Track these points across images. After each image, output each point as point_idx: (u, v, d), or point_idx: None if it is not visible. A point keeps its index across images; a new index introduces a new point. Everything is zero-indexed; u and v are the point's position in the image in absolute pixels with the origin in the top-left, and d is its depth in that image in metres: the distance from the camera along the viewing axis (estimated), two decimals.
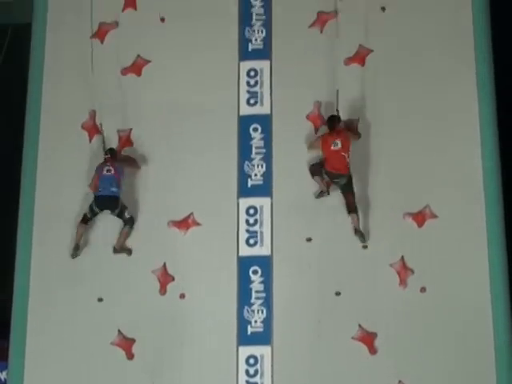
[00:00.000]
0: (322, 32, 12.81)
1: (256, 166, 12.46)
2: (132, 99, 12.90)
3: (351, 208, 12.00)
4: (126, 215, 12.34)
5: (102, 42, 13.10)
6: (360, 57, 12.65)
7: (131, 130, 12.80)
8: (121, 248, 12.42)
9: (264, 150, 12.54)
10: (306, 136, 12.45)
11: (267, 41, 12.85)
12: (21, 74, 13.37)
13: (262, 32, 12.87)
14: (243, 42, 12.87)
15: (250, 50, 12.89)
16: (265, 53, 12.81)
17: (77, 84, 12.96)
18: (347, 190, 12.06)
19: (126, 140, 12.81)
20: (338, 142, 11.96)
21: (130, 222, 12.37)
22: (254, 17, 12.97)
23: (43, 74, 13.06)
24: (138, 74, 12.98)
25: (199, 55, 12.85)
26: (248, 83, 12.73)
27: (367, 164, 12.33)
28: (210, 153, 12.58)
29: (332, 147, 11.98)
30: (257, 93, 12.70)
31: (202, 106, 12.67)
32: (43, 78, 13.09)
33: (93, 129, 12.79)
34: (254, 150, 12.53)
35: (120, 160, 12.47)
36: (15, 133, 13.19)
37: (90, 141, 12.83)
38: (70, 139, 12.86)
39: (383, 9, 12.74)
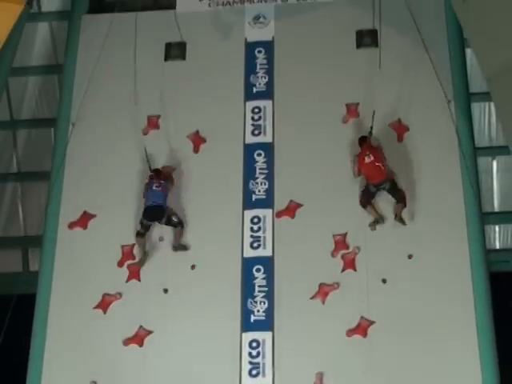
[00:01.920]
0: (323, 304, 13.30)
1: None
2: (134, 370, 13.13)
3: (401, 200, 13.48)
4: (174, 219, 13.82)
5: (104, 312, 13.52)
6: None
7: None
8: (179, 245, 13.71)
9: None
10: None
11: (270, 311, 13.36)
12: (24, 343, 13.68)
13: (263, 303, 13.44)
14: (245, 313, 13.35)
15: (252, 322, 13.35)
16: (268, 323, 13.26)
17: (79, 353, 13.25)
18: (394, 191, 13.59)
19: None
20: (370, 154, 13.53)
21: (179, 225, 13.83)
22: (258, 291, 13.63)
23: (45, 344, 13.39)
24: (140, 344, 13.29)
25: (201, 317, 13.24)
26: (250, 354, 13.05)
27: None
28: None
29: (366, 161, 13.51)
30: (258, 363, 13.05)
31: (203, 376, 12.89)
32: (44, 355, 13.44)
33: None
34: None
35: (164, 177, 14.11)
36: None
37: None
38: None
39: (384, 281, 13.32)
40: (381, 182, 13.51)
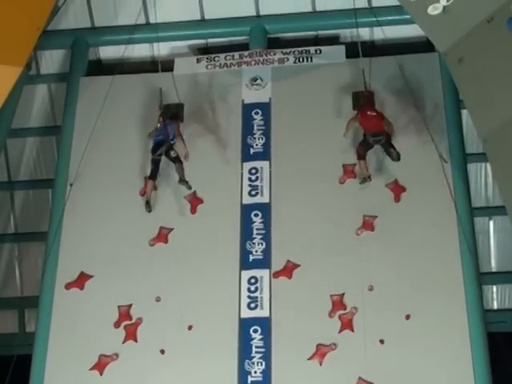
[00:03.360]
0: (321, 365, 13.45)
1: None
2: None
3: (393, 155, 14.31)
4: (172, 154, 14.67)
5: (101, 373, 13.65)
6: None
7: None
8: (181, 180, 14.66)
9: None
10: None
11: (267, 372, 13.43)
12: None
13: (260, 364, 13.51)
14: (243, 374, 13.43)
15: (252, 351, 13.53)
16: (266, 378, 13.36)
17: None
18: (388, 144, 14.24)
19: None
20: (372, 110, 14.30)
21: (176, 160, 14.63)
22: (255, 352, 13.77)
23: None
24: None
25: (199, 378, 13.37)
26: None
27: None
28: None
29: (369, 114, 14.23)
30: None
31: None
32: None
33: None
34: None
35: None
36: None
37: None
38: None
39: (381, 341, 13.44)
40: (379, 132, 14.05)
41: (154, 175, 14.76)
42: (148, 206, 14.67)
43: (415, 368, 13.10)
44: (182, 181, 14.63)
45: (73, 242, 14.71)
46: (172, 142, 14.66)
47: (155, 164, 14.75)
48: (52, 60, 17.29)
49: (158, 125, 14.77)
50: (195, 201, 14.96)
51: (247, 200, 14.83)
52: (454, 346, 13.16)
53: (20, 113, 16.38)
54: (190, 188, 14.65)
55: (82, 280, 14.37)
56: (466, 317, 13.29)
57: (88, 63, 17.02)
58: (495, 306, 15.85)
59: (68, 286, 14.35)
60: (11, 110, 15.61)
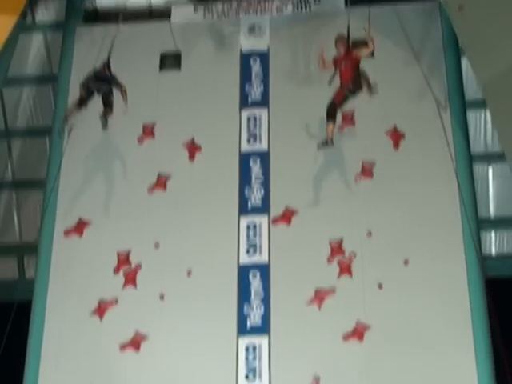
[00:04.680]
0: (319, 309, 13.65)
1: None
2: (131, 375, 13.46)
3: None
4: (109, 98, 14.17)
5: (101, 319, 13.86)
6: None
7: None
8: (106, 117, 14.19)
9: None
10: None
11: (266, 317, 13.70)
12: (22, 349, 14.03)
13: (259, 308, 13.78)
14: (241, 317, 13.70)
15: (248, 326, 13.74)
16: (264, 327, 13.65)
17: (75, 360, 13.61)
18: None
19: None
20: (351, 61, 13.36)
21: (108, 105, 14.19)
22: (253, 296, 14.01)
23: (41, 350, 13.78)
24: (137, 349, 13.60)
25: (197, 323, 13.63)
26: (246, 358, 13.45)
27: None
28: None
29: (345, 65, 13.31)
30: (255, 367, 13.43)
31: (200, 381, 13.23)
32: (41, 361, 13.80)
33: None
34: None
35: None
36: None
37: None
38: None
39: (380, 286, 13.68)
40: (355, 87, 13.43)
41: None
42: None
43: (413, 312, 13.35)
44: (103, 118, 14.18)
45: (71, 189, 14.90)
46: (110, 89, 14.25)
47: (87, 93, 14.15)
48: (48, 9, 17.27)
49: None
50: (193, 148, 15.15)
51: (246, 147, 15.02)
52: (452, 290, 13.41)
53: (16, 62, 16.40)
54: (104, 126, 14.25)
55: (80, 226, 14.59)
56: (465, 262, 13.55)
57: (84, 12, 16.99)
58: (493, 252, 16.11)
59: (67, 233, 14.61)
60: (7, 58, 15.69)
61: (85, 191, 14.89)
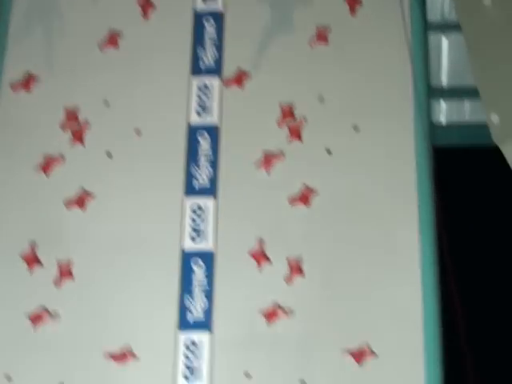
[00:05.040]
0: (268, 175, 13.56)
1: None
2: (76, 232, 13.37)
3: None
4: None
5: (46, 175, 13.70)
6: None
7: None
8: None
9: (207, 288, 13.16)
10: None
11: (213, 179, 13.71)
12: None
13: (207, 169, 13.78)
14: (189, 179, 13.59)
15: (196, 188, 13.83)
16: (212, 189, 13.66)
17: (18, 215, 13.42)
18: None
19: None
20: None
21: None
22: (202, 158, 13.96)
23: None
24: (83, 207, 13.53)
25: (145, 189, 13.50)
26: (191, 218, 13.47)
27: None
28: (151, 288, 13.10)
29: None
30: (199, 228, 13.38)
31: (147, 238, 13.18)
32: None
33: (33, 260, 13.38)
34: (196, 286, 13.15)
35: None
36: None
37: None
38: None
39: (328, 151, 13.74)
40: None
41: None
42: None
43: (360, 180, 13.30)
44: None
45: (21, 42, 14.45)
46: None
47: None
48: None
49: None
50: (147, 6, 14.69)
51: (201, 6, 14.48)
52: (398, 156, 13.38)
53: None
54: None
55: (28, 81, 14.29)
56: (413, 129, 13.55)
57: None
58: (444, 122, 16.20)
59: (14, 87, 14.35)
60: None
61: (35, 44, 14.37)
